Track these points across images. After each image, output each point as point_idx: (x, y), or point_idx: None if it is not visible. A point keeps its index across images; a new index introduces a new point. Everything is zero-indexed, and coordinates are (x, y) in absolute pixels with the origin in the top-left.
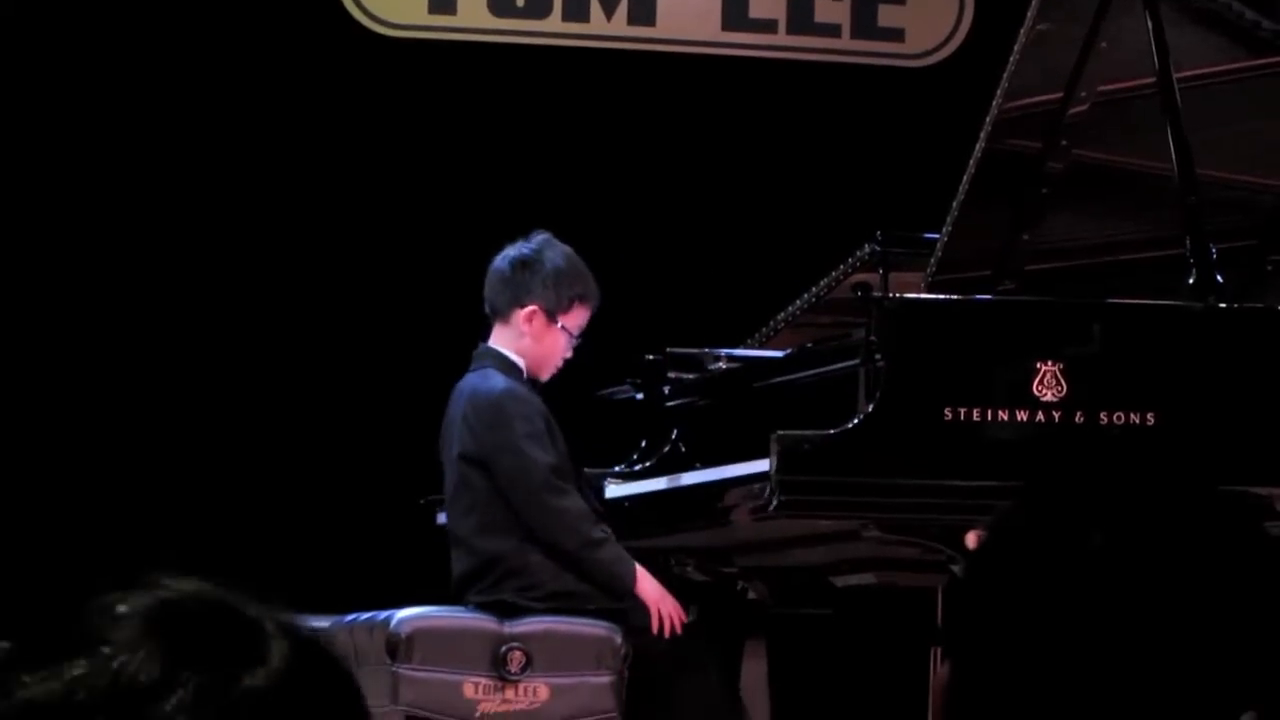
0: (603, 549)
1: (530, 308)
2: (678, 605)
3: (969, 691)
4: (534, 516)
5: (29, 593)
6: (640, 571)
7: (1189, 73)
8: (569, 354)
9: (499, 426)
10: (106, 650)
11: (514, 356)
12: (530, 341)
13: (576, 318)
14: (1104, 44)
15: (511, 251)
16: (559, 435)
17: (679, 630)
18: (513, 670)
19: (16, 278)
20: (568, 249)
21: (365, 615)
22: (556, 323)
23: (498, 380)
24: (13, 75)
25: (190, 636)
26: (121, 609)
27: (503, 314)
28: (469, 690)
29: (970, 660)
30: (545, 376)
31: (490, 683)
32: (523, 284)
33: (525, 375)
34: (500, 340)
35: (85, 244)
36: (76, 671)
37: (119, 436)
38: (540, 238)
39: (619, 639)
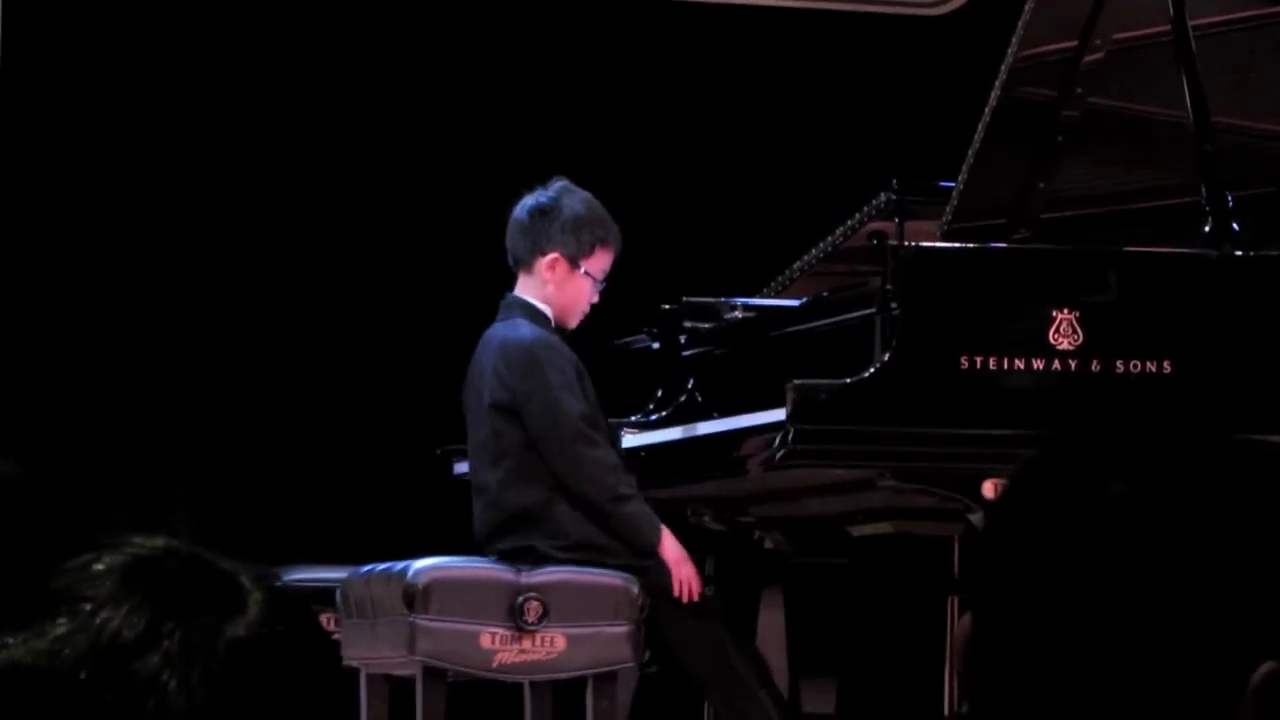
0: (629, 504)
1: (551, 255)
2: (697, 574)
3: (991, 642)
4: (563, 466)
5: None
6: (665, 533)
7: (1204, 20)
8: (595, 299)
9: (531, 374)
10: (87, 608)
11: (541, 305)
12: (554, 289)
13: (599, 262)
14: None
15: (529, 200)
16: (589, 384)
17: (695, 598)
18: (529, 620)
19: (52, 237)
20: (586, 194)
21: (382, 566)
22: (579, 268)
23: (526, 329)
24: (17, 64)
25: (170, 591)
26: (97, 567)
27: (525, 263)
28: (486, 640)
29: (992, 611)
30: (572, 324)
31: (507, 633)
32: (542, 232)
33: (553, 324)
34: (525, 290)
35: (114, 206)
36: (59, 630)
37: (137, 385)
38: (558, 184)
39: (636, 589)
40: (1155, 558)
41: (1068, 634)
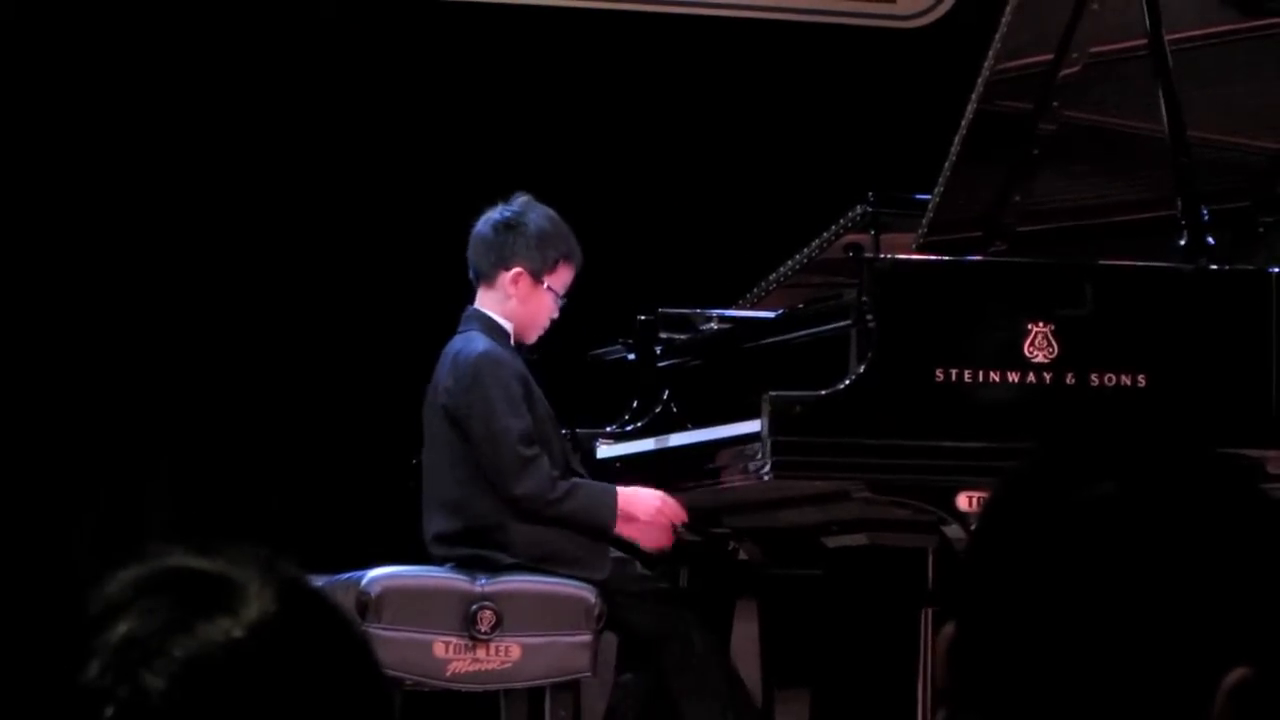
0: (566, 503)
1: (515, 270)
2: (670, 504)
3: (976, 648)
4: (500, 483)
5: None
6: (622, 498)
7: (1181, 34)
8: (555, 314)
9: (474, 389)
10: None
11: (500, 319)
12: (516, 304)
13: (561, 277)
14: (1095, 5)
15: (494, 214)
16: (539, 397)
17: (685, 520)
18: (483, 630)
19: (27, 242)
20: (549, 210)
21: (344, 575)
22: (542, 283)
23: (479, 343)
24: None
25: (153, 590)
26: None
27: (488, 277)
28: (439, 650)
29: (978, 616)
30: (532, 338)
31: (461, 642)
32: (507, 246)
33: (512, 338)
34: (487, 303)
35: (81, 209)
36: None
37: (110, 390)
38: (521, 199)
39: (593, 598)
40: (1142, 560)
41: (1054, 637)
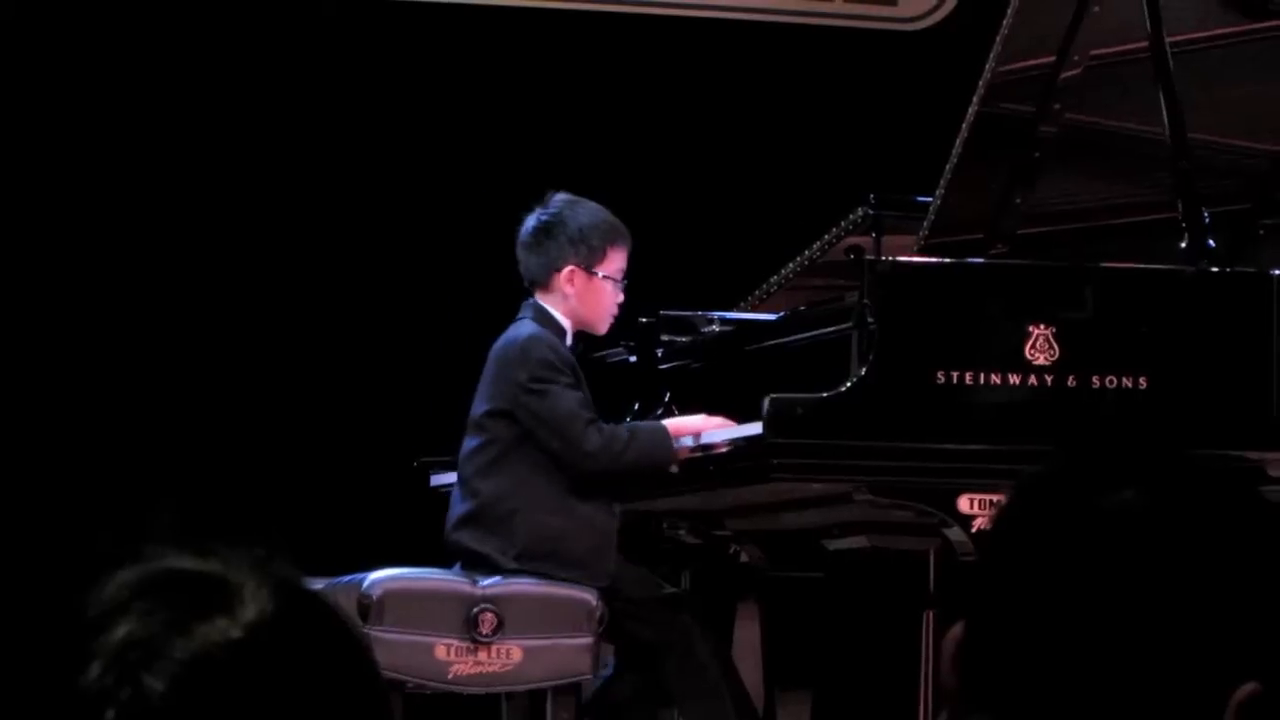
0: (629, 452)
1: (567, 269)
2: (709, 422)
3: (987, 649)
4: (566, 452)
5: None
6: (676, 427)
7: (1182, 37)
8: (620, 298)
9: (524, 367)
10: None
11: (559, 316)
12: (577, 301)
13: (614, 263)
14: (1097, 8)
15: (531, 221)
16: (585, 386)
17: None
18: (484, 632)
19: (32, 247)
20: (585, 200)
21: (346, 578)
22: (596, 274)
23: (528, 328)
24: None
25: (150, 592)
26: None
27: (542, 283)
28: (441, 652)
29: (990, 617)
30: (604, 329)
31: (462, 645)
32: (552, 249)
33: (569, 336)
34: (547, 305)
35: (86, 207)
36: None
37: (118, 396)
38: (557, 198)
39: (595, 601)
40: (1161, 569)
41: (1063, 643)
